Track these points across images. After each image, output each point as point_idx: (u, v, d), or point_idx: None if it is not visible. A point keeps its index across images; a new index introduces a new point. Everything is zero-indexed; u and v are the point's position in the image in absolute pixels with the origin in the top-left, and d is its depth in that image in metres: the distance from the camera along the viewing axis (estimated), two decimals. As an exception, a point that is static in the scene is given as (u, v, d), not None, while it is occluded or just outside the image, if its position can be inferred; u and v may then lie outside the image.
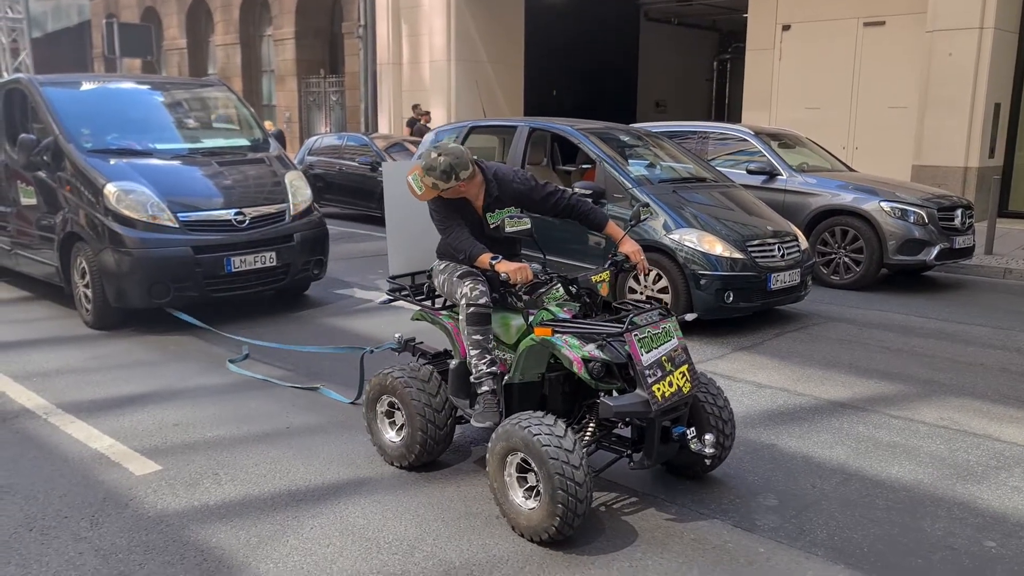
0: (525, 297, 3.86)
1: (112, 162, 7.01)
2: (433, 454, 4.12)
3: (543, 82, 21.74)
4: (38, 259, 7.68)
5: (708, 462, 3.93)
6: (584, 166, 9.36)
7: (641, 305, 3.83)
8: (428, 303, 4.35)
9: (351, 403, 5.17)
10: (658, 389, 3.41)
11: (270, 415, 5.00)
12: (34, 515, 3.72)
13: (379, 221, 13.66)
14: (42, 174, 7.31)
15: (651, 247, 6.67)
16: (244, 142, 8.30)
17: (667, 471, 4.10)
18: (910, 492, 4.00)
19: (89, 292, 6.90)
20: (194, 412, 5.04)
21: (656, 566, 3.31)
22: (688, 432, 3.57)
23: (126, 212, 6.67)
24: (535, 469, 3.37)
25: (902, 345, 6.61)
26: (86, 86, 8.14)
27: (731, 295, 6.67)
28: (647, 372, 3.41)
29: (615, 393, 3.52)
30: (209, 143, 8.01)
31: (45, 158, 7.18)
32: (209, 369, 5.89)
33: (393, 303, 4.56)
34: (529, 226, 3.88)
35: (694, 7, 24.59)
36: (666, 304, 3.84)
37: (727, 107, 27.42)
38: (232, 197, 7.14)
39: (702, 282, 6.62)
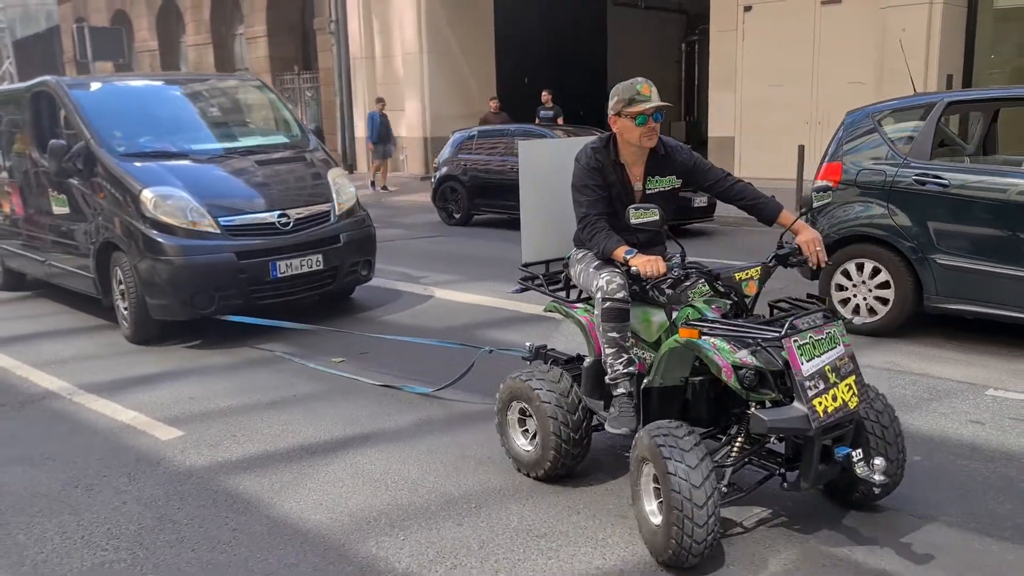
0: (668, 292, 3.47)
1: (147, 166, 6.70)
2: (568, 463, 3.81)
3: (515, 71, 22.16)
4: (73, 270, 7.32)
5: (877, 490, 3.42)
6: None
7: (802, 304, 3.41)
8: (563, 294, 4.07)
9: (430, 393, 5.12)
10: (819, 403, 3.02)
11: (277, 386, 5.46)
12: (77, 476, 4.17)
13: None
14: (74, 181, 6.97)
15: None
16: (282, 139, 7.88)
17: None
18: (853, 423, 4.51)
19: (127, 304, 6.58)
20: (206, 387, 5.50)
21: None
22: (854, 454, 3.10)
23: (165, 219, 6.36)
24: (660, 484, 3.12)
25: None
26: (115, 87, 7.84)
27: None
28: (807, 384, 3.02)
29: (768, 404, 3.11)
30: (246, 142, 7.61)
31: (77, 164, 6.81)
32: (215, 350, 6.32)
33: (525, 291, 4.25)
34: (658, 218, 3.34)
35: (660, -10, 25.10)
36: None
37: (696, 88, 27.95)
38: (274, 198, 6.81)
39: None
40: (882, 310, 6.07)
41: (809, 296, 3.48)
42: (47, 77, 7.61)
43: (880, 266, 6.05)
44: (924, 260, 5.81)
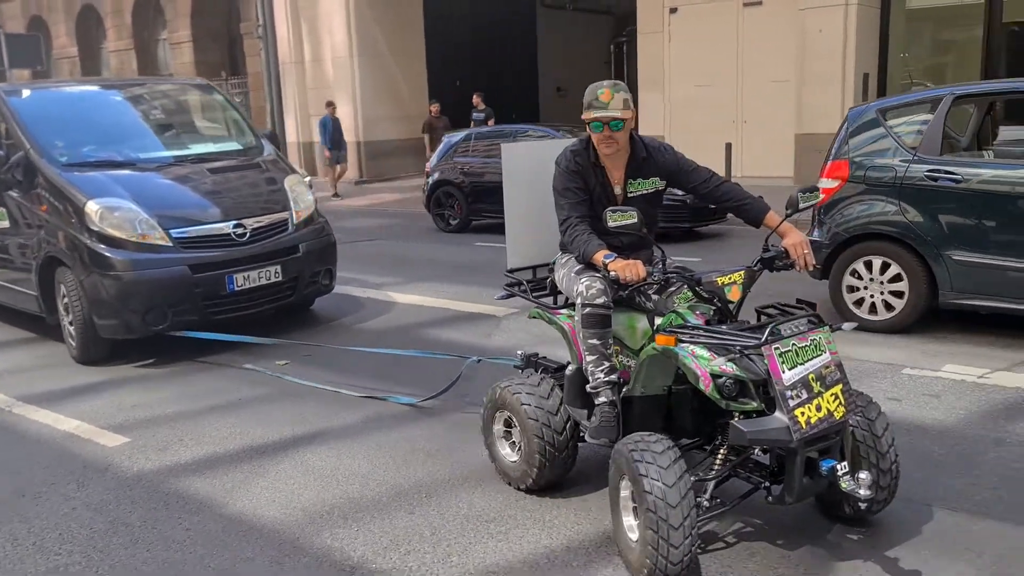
0: (655, 297, 3.40)
1: (92, 176, 6.38)
2: (554, 475, 3.73)
3: (445, 73, 22.25)
4: (14, 287, 6.95)
5: (864, 505, 3.17)
6: None
7: (789, 310, 3.28)
8: (548, 300, 3.96)
9: (417, 404, 5.00)
10: (801, 413, 2.88)
11: (221, 390, 5.49)
12: (23, 485, 4.16)
13: None
14: (13, 193, 6.62)
15: None
16: (235, 146, 7.58)
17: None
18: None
19: (73, 323, 6.24)
20: (149, 394, 5.49)
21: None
22: (840, 467, 2.95)
23: (112, 231, 6.05)
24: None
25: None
26: (56, 93, 7.58)
27: None
28: (789, 393, 2.89)
29: (754, 415, 3.00)
30: (196, 149, 7.30)
31: (16, 175, 6.47)
32: (155, 359, 6.28)
33: (510, 298, 4.17)
34: (636, 220, 3.22)
35: (587, -8, 25.50)
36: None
37: (625, 88, 28.43)
38: (228, 208, 6.51)
39: None
40: (896, 307, 6.03)
41: (799, 301, 3.32)
42: None
43: (892, 263, 5.99)
44: (938, 256, 5.76)
